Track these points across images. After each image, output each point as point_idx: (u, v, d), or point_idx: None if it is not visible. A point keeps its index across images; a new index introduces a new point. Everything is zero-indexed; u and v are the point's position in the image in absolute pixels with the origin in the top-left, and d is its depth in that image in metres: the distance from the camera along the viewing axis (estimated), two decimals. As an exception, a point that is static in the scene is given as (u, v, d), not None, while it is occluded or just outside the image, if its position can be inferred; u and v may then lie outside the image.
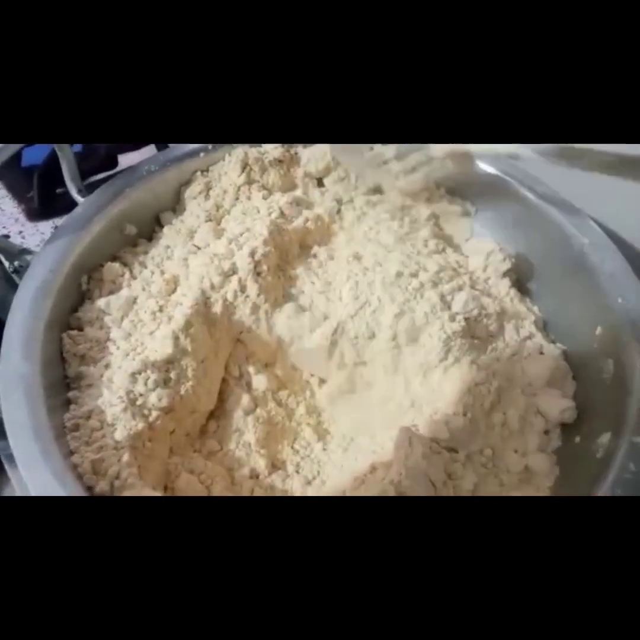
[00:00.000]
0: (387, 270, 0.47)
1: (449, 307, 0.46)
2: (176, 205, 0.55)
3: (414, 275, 0.47)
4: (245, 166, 0.54)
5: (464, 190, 0.56)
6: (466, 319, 0.45)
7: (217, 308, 0.45)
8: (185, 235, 0.51)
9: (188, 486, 0.40)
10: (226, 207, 0.53)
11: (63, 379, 0.42)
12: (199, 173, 0.54)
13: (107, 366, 0.42)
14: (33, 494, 0.34)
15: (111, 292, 0.47)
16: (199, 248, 0.50)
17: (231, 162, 0.54)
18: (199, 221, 0.52)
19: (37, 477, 0.34)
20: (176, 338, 0.42)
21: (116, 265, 0.48)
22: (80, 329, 0.44)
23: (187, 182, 0.54)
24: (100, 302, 0.45)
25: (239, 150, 0.54)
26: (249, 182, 0.54)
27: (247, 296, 0.46)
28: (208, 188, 0.54)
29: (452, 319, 0.45)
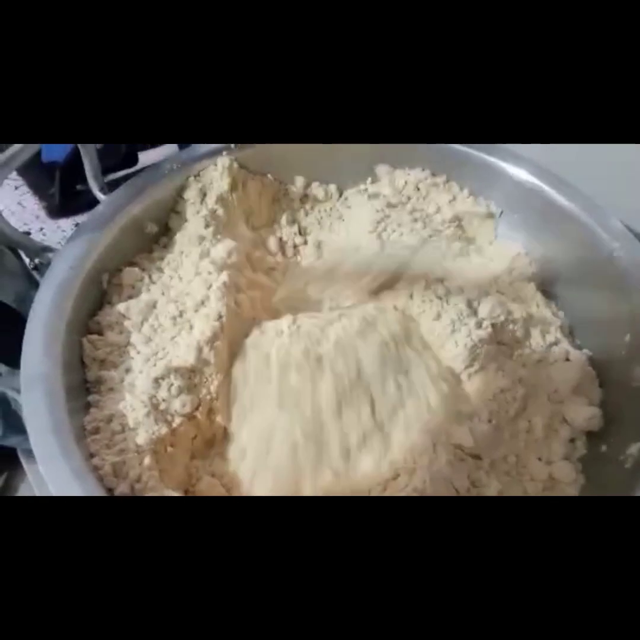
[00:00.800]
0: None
1: (476, 313, 0.45)
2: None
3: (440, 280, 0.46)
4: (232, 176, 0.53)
5: (489, 191, 0.55)
6: (493, 325, 0.44)
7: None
8: (195, 242, 0.50)
9: (209, 489, 0.39)
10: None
11: (83, 383, 0.41)
12: (191, 178, 0.52)
13: (127, 371, 0.42)
14: (51, 489, 0.33)
15: (130, 297, 0.46)
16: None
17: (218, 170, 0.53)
18: (199, 227, 0.51)
19: (57, 473, 0.34)
20: (200, 349, 0.42)
21: (135, 269, 0.48)
22: (100, 334, 0.44)
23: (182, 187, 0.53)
24: (120, 307, 0.45)
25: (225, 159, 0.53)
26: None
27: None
28: (203, 193, 0.52)
29: (479, 325, 0.44)
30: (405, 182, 0.56)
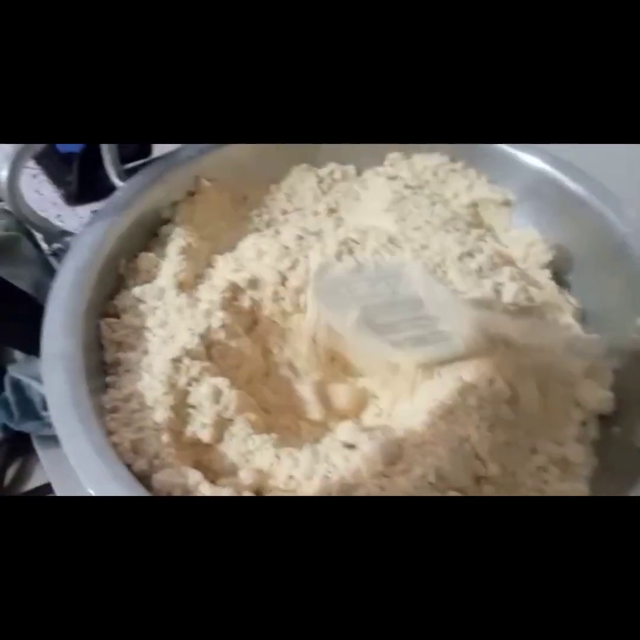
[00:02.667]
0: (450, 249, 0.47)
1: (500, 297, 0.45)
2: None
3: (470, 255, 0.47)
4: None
5: (506, 179, 0.55)
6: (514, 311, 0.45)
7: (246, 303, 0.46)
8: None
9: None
10: None
11: (101, 364, 0.42)
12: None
13: (145, 352, 0.43)
14: (73, 464, 0.34)
15: (146, 281, 0.47)
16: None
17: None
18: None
19: (78, 449, 0.35)
20: (211, 330, 0.43)
21: (151, 254, 0.48)
22: (117, 316, 0.45)
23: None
24: (136, 291, 0.45)
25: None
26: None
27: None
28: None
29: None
30: (424, 167, 0.56)
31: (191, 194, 0.53)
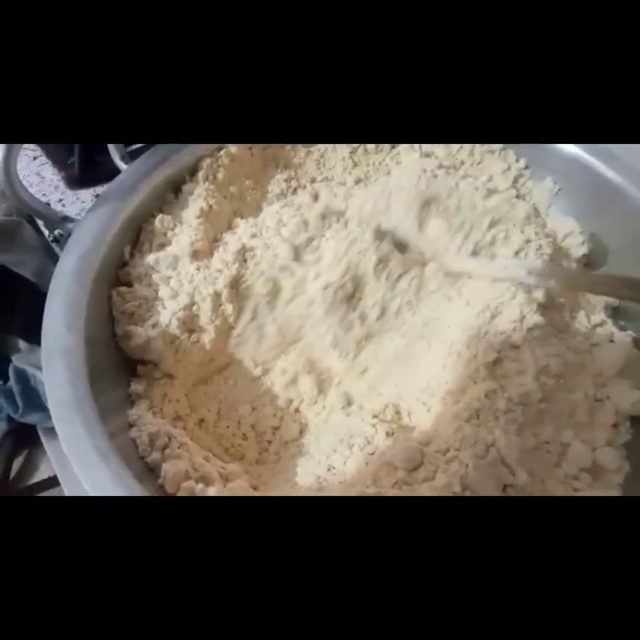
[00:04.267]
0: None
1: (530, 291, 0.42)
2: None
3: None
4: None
5: (541, 164, 0.52)
6: (544, 307, 0.42)
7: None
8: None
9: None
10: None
11: (112, 338, 0.41)
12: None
13: (154, 326, 0.41)
14: (75, 468, 0.32)
15: (162, 245, 0.45)
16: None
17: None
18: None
19: (80, 451, 0.33)
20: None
21: (168, 217, 0.46)
22: (130, 285, 0.43)
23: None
24: (150, 259, 0.44)
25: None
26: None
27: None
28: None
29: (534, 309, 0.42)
30: (461, 146, 0.53)
31: (218, 149, 0.50)
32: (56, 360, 0.35)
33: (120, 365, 0.41)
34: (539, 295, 0.42)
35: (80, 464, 0.32)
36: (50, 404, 0.34)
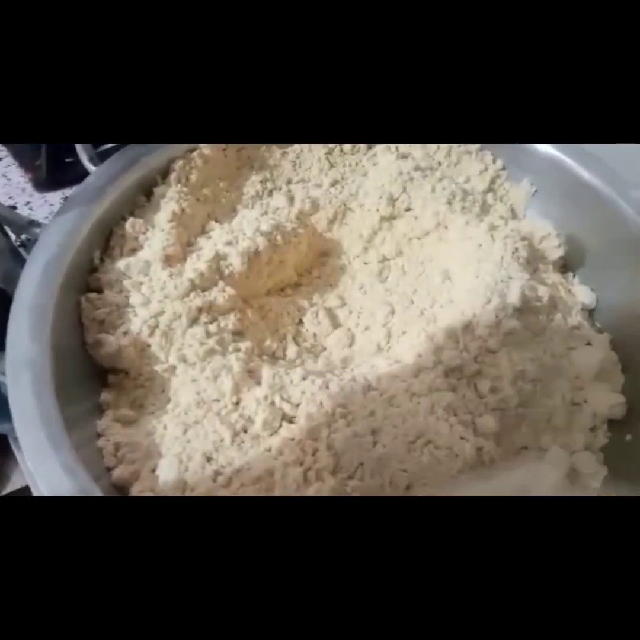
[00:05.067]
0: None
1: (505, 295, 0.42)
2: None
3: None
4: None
5: (518, 165, 0.52)
6: (520, 311, 0.41)
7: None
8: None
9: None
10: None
11: (80, 346, 0.39)
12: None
13: (125, 334, 0.39)
14: (40, 485, 0.31)
15: (133, 250, 0.43)
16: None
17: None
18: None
19: (46, 468, 0.31)
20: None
21: (139, 221, 0.44)
22: (100, 291, 0.41)
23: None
24: (120, 264, 0.42)
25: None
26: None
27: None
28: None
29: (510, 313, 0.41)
30: (438, 147, 0.53)
31: (190, 150, 0.48)
32: (21, 372, 0.34)
33: (89, 373, 0.39)
34: (514, 299, 0.41)
35: (46, 481, 0.31)
36: (15, 418, 0.33)
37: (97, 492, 0.32)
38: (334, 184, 0.52)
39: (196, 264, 0.42)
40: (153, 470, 0.35)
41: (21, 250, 0.46)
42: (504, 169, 0.53)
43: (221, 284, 0.42)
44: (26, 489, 0.47)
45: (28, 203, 0.55)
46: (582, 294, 0.48)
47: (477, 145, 0.53)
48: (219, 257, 0.43)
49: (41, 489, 0.31)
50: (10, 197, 0.56)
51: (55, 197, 0.56)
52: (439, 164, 0.53)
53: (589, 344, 0.45)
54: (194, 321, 0.40)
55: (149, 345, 0.39)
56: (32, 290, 0.38)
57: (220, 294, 0.42)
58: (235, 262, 0.43)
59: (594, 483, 0.40)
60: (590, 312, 0.48)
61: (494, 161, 0.53)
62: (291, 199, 0.50)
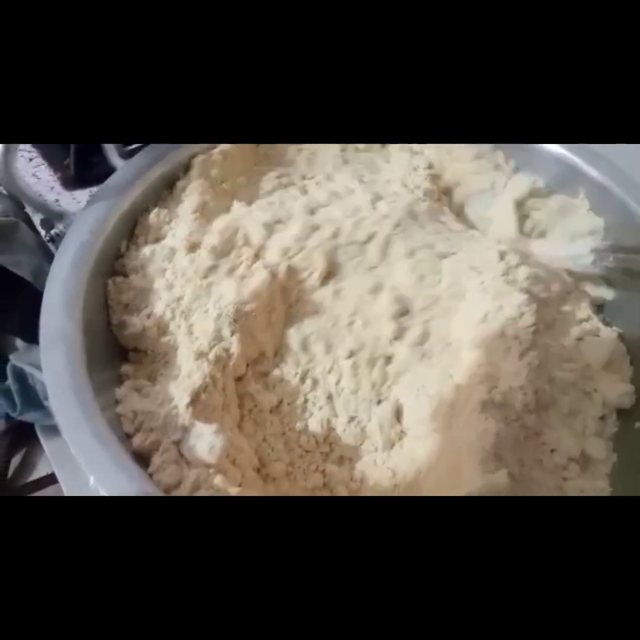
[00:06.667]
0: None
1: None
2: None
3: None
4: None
5: (529, 167, 0.53)
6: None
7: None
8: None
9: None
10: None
11: (107, 326, 0.41)
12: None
13: (149, 316, 0.41)
14: (74, 452, 0.32)
15: (157, 239, 0.45)
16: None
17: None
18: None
19: (79, 437, 0.33)
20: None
21: (163, 211, 0.46)
22: (126, 275, 0.43)
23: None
24: (146, 250, 0.44)
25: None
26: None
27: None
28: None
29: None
30: (451, 146, 0.54)
31: (211, 148, 0.50)
32: (55, 345, 0.36)
33: (114, 351, 0.41)
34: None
35: (79, 448, 0.33)
36: (49, 388, 0.34)
37: (128, 460, 0.33)
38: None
39: (209, 239, 0.44)
40: (176, 443, 0.37)
41: (50, 245, 0.48)
42: (517, 170, 0.53)
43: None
44: (51, 476, 0.48)
45: (57, 200, 0.57)
46: (599, 289, 0.49)
47: (490, 146, 0.53)
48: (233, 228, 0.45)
49: (75, 455, 0.32)
50: (40, 195, 0.57)
51: (83, 195, 0.57)
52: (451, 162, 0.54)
53: (597, 336, 0.46)
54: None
55: (168, 327, 0.41)
56: (65, 271, 0.40)
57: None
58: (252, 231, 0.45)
59: (605, 469, 0.41)
60: (598, 307, 0.49)
61: (506, 161, 0.54)
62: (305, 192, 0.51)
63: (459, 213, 0.54)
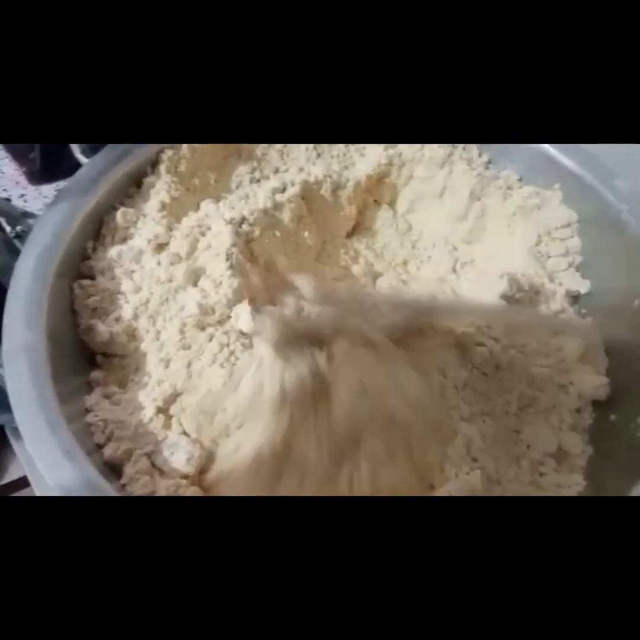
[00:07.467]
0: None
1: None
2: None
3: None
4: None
5: (505, 157, 0.53)
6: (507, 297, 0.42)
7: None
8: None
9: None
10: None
11: (74, 330, 0.40)
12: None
13: (117, 320, 0.40)
14: (40, 468, 0.32)
15: (124, 239, 0.44)
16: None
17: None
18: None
19: (44, 451, 0.32)
20: None
21: (130, 210, 0.45)
22: (93, 278, 0.42)
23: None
24: (112, 252, 0.43)
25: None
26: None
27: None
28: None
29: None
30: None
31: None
32: (17, 358, 0.35)
33: (82, 355, 0.40)
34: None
35: (45, 463, 0.32)
36: (13, 403, 0.33)
37: (95, 474, 0.32)
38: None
39: (176, 241, 0.43)
40: (147, 455, 0.36)
41: (16, 242, 0.47)
42: (490, 162, 0.53)
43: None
44: (23, 479, 0.47)
45: (22, 195, 0.56)
46: (575, 281, 0.48)
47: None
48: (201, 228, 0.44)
49: (40, 470, 0.32)
50: (5, 190, 0.56)
51: (49, 190, 0.56)
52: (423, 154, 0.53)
53: (572, 328, 0.46)
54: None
55: (136, 329, 0.40)
56: (27, 278, 0.38)
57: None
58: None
59: (580, 462, 0.41)
60: (573, 299, 0.48)
61: (479, 155, 0.53)
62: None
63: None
